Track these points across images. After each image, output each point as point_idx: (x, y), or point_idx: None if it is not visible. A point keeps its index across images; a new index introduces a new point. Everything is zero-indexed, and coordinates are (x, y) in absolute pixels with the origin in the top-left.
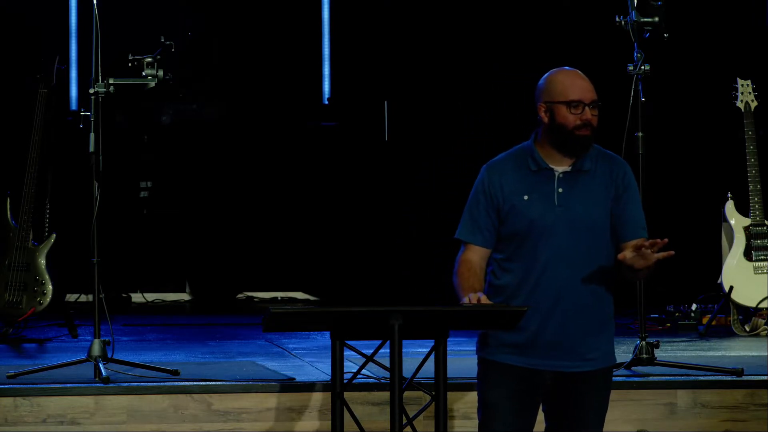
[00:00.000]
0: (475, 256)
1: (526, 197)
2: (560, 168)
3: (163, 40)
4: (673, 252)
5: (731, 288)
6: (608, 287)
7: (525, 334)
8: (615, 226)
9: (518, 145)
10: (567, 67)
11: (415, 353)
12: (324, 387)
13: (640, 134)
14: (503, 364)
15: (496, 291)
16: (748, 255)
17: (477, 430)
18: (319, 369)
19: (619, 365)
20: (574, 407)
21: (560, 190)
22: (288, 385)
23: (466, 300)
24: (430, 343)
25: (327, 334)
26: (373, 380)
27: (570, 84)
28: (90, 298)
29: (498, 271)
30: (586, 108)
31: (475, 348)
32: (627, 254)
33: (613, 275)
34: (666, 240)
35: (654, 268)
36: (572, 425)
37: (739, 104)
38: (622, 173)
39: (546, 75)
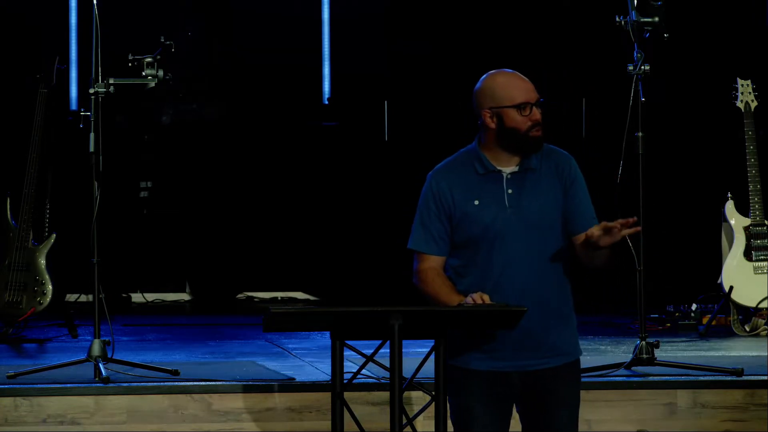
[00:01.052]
0: (433, 264)
1: (476, 202)
2: (507, 169)
3: (163, 40)
4: (639, 228)
5: (731, 288)
6: (566, 282)
7: (489, 337)
8: (566, 219)
9: (462, 150)
10: (505, 69)
11: (415, 353)
12: (324, 387)
13: (640, 134)
14: (471, 370)
15: None
16: (748, 255)
17: None
18: (319, 369)
19: (619, 365)
20: (545, 404)
21: (510, 191)
22: (288, 385)
23: (469, 299)
24: (430, 343)
25: (327, 334)
26: (373, 380)
27: (514, 87)
28: (90, 298)
29: (455, 277)
30: (534, 108)
31: None
32: (594, 231)
33: (569, 269)
34: (635, 218)
35: (614, 254)
36: (546, 422)
37: (739, 104)
38: (568, 167)
39: (484, 79)
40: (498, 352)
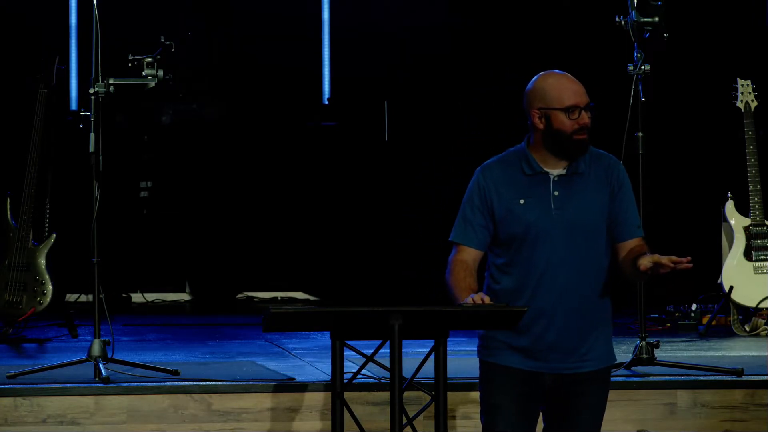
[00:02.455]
0: (468, 257)
1: (522, 201)
2: (555, 171)
3: (163, 40)
4: (691, 265)
5: (731, 288)
6: (606, 288)
7: (527, 337)
8: (610, 225)
9: (511, 149)
10: (556, 71)
11: (415, 353)
12: (324, 387)
13: (640, 134)
14: (506, 367)
15: (495, 295)
16: (748, 255)
17: (478, 431)
18: (319, 369)
19: (619, 365)
20: (571, 407)
21: (556, 193)
22: (288, 385)
23: (468, 300)
24: (430, 343)
25: (327, 334)
26: (373, 380)
27: (565, 89)
28: (90, 298)
29: (497, 274)
30: (583, 112)
31: (476, 348)
32: (645, 262)
33: (610, 276)
34: (689, 258)
35: (653, 277)
36: (569, 425)
37: (739, 104)
38: (617, 172)
39: (535, 80)
40: (532, 351)
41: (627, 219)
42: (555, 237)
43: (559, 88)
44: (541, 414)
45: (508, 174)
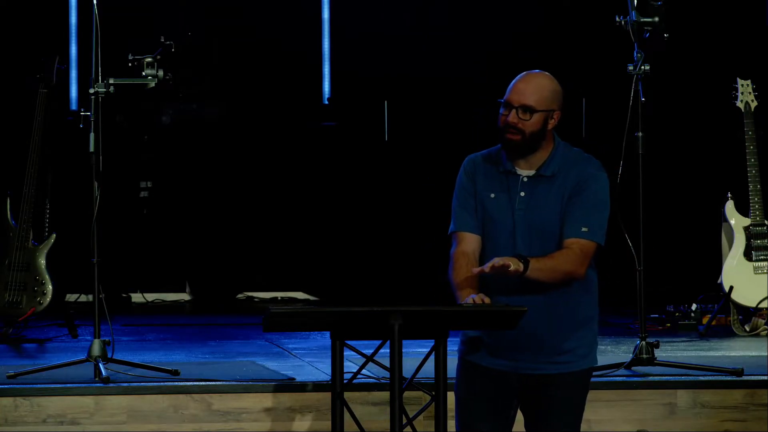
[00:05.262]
0: (468, 247)
1: (492, 195)
2: (525, 172)
3: (163, 40)
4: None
5: (731, 288)
6: (575, 290)
7: (492, 334)
8: (561, 225)
9: (498, 145)
10: (535, 71)
11: (415, 353)
12: (324, 387)
13: (640, 134)
14: (474, 364)
15: None
16: (748, 255)
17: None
18: (319, 369)
19: (619, 365)
20: (544, 409)
21: (522, 194)
22: (288, 385)
23: (469, 300)
24: (430, 343)
25: (327, 334)
26: (373, 380)
27: (513, 85)
28: (90, 298)
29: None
30: (513, 110)
31: None
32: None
33: (582, 279)
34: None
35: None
36: (544, 426)
37: (739, 104)
38: (584, 176)
39: None
40: (498, 350)
41: (572, 219)
42: (516, 236)
43: (512, 84)
44: (521, 412)
45: (487, 168)
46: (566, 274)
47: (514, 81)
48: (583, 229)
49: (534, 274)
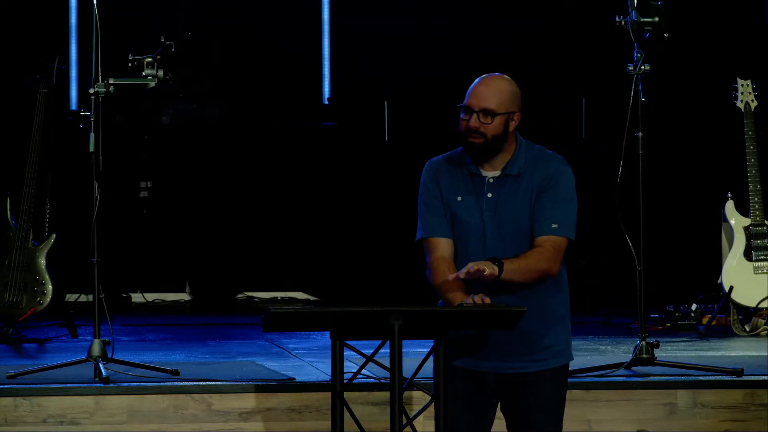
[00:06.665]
0: (443, 252)
1: (459, 198)
2: (490, 173)
3: (163, 40)
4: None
5: (731, 288)
6: (546, 287)
7: (466, 336)
8: (531, 223)
9: (459, 147)
10: (495, 74)
11: (415, 353)
12: (324, 387)
13: (640, 134)
14: (451, 365)
15: None
16: (748, 255)
17: None
18: (319, 369)
19: (619, 365)
20: (523, 408)
21: (489, 195)
22: (288, 385)
23: (469, 300)
24: (430, 343)
25: (327, 334)
26: (373, 380)
27: (472, 89)
28: (90, 298)
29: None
30: (474, 115)
31: None
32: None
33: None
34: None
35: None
36: (525, 425)
37: (739, 104)
38: (551, 173)
39: None
40: (475, 350)
41: (541, 217)
42: (487, 237)
43: (471, 88)
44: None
45: (451, 171)
46: (541, 272)
47: (473, 85)
48: (554, 225)
49: (509, 275)
